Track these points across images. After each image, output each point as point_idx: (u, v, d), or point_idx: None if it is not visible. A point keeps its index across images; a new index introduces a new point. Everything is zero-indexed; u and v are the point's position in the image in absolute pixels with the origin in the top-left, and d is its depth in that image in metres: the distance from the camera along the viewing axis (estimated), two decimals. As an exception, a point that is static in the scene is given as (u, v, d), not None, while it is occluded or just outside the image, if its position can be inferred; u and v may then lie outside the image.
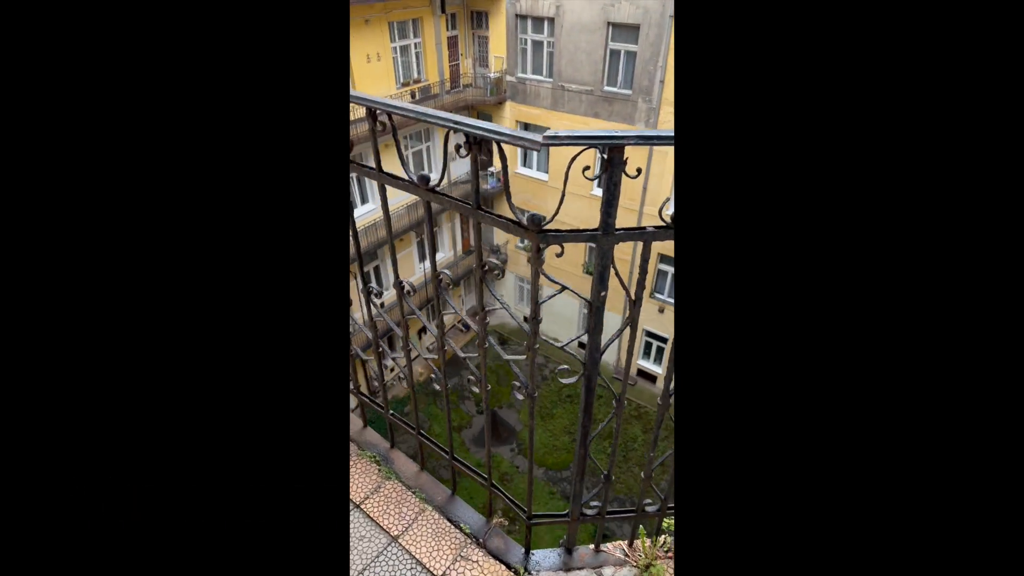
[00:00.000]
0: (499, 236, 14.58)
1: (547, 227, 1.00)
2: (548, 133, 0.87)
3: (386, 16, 10.15)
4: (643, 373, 12.96)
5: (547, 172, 12.51)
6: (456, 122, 0.97)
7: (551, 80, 11.32)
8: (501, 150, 0.96)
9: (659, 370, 12.77)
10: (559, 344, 1.20)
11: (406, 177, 1.16)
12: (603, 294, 1.05)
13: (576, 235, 1.00)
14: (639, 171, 0.96)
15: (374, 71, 10.32)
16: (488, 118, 12.79)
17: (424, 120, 1.02)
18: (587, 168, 0.95)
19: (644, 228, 1.00)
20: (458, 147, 1.01)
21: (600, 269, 1.03)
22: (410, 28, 10.89)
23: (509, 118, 12.39)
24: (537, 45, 11.22)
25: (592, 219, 1.09)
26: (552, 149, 0.88)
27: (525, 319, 1.15)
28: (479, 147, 0.99)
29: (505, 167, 1.01)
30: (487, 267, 1.14)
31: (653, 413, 11.87)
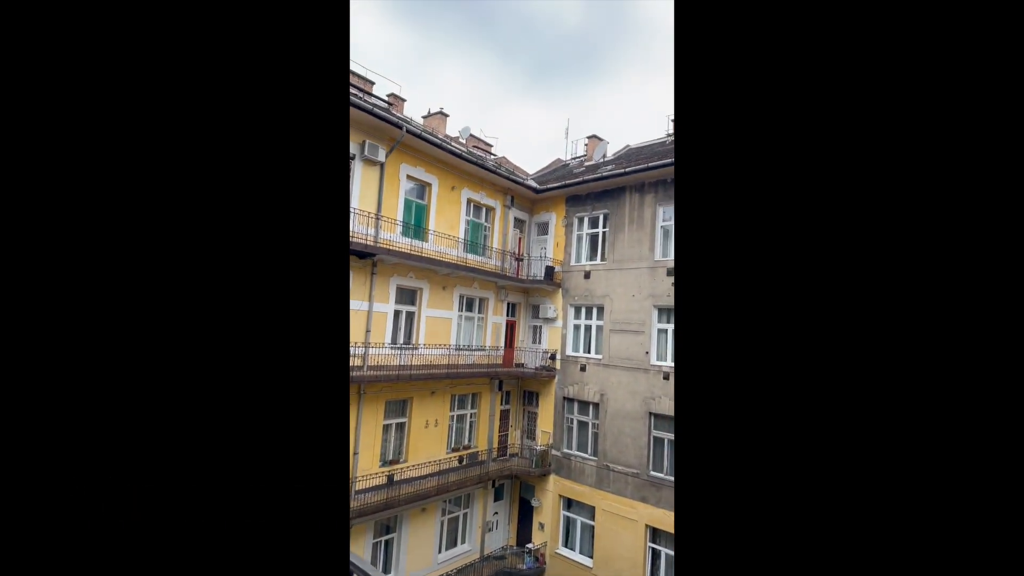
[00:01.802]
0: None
1: None
2: None
3: (451, 390, 11.61)
4: None
5: (591, 557, 11.22)
6: None
7: (596, 459, 11.58)
8: None
9: None
10: None
11: None
12: None
13: None
14: None
15: (430, 435, 11.04)
16: (531, 490, 12.58)
17: None
18: None
19: None
20: None
21: None
22: (469, 401, 12.23)
23: (552, 491, 12.13)
24: (583, 424, 12.06)
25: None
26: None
27: None
28: None
29: None
30: None
31: None
